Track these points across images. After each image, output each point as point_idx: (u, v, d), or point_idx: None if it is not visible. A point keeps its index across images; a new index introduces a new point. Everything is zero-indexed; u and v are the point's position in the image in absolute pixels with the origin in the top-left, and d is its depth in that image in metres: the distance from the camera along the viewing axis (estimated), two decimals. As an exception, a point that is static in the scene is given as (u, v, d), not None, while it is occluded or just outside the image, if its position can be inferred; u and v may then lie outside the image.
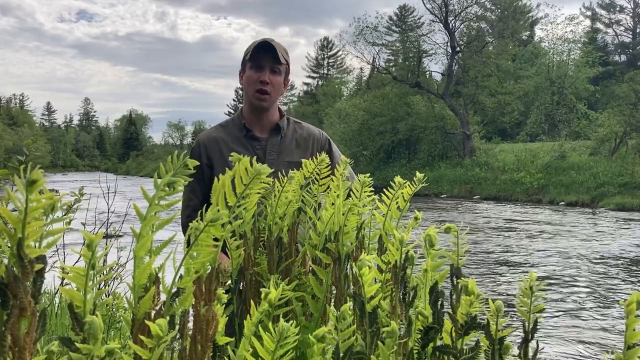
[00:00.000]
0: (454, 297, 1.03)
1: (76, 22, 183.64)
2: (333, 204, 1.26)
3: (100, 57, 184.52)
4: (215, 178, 1.01)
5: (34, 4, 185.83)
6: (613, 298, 8.22)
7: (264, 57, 2.21)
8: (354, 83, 55.09)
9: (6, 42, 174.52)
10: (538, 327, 0.96)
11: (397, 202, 1.27)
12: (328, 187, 1.37)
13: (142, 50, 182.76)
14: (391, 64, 39.99)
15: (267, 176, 1.04)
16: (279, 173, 1.35)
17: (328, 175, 1.40)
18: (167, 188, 0.77)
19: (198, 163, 0.82)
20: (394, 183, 1.27)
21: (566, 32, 37.88)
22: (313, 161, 1.40)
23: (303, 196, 1.36)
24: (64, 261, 3.17)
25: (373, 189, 1.30)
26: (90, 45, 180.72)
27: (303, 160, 1.42)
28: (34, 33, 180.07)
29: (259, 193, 1.06)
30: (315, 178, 1.39)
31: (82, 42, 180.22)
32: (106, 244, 3.61)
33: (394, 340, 0.95)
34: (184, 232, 2.15)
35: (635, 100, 27.52)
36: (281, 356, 0.85)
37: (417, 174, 1.28)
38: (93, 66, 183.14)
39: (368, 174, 1.32)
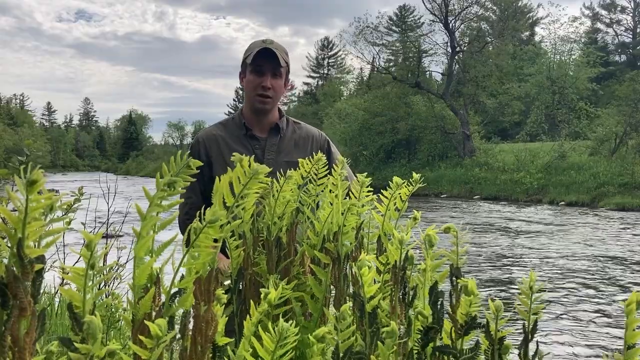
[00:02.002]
0: (453, 297, 1.03)
1: (75, 22, 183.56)
2: (331, 203, 1.26)
3: (99, 56, 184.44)
4: (217, 178, 1.01)
5: (33, 4, 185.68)
6: (613, 298, 8.22)
7: (265, 63, 2.22)
8: (354, 83, 55.07)
9: (5, 42, 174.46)
10: (538, 327, 0.96)
11: (395, 203, 1.27)
12: (326, 186, 1.37)
13: (141, 50, 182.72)
14: (391, 64, 39.98)
15: (265, 176, 1.04)
16: (277, 173, 1.35)
17: (325, 175, 1.40)
18: (167, 188, 0.77)
19: (201, 163, 0.83)
20: (392, 183, 1.27)
21: (569, 32, 37.92)
22: (310, 160, 1.39)
23: (300, 196, 1.35)
24: (64, 261, 3.18)
25: (372, 189, 1.29)
26: (89, 45, 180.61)
27: (300, 160, 1.41)
28: (32, 33, 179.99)
29: (257, 193, 1.06)
30: (313, 178, 1.39)
31: (81, 41, 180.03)
32: (106, 244, 3.61)
33: (393, 340, 0.95)
34: (181, 229, 2.15)
35: (635, 100, 27.50)
36: (281, 356, 0.85)
37: (414, 174, 1.27)
38: (92, 66, 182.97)
39: (366, 174, 1.31)
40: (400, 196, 1.27)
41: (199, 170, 0.81)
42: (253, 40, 2.39)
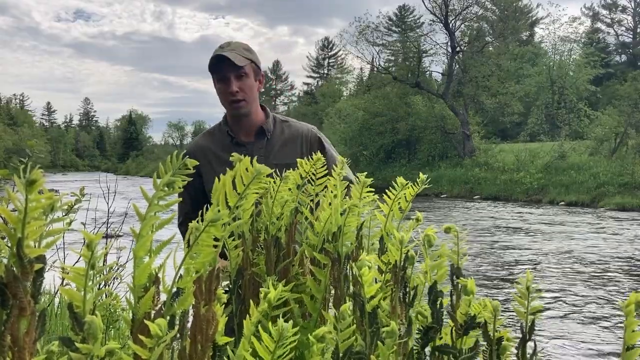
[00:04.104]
0: (453, 296, 1.03)
1: (73, 22, 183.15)
2: (330, 203, 1.26)
3: (98, 56, 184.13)
4: (216, 178, 1.01)
5: (31, 3, 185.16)
6: (612, 299, 8.22)
7: (224, 68, 2.16)
8: (354, 83, 55.05)
9: (3, 42, 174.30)
10: (536, 327, 0.96)
11: (399, 203, 1.27)
12: (325, 187, 1.37)
13: (140, 50, 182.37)
14: (391, 64, 39.96)
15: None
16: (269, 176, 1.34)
17: (324, 175, 1.39)
18: (166, 188, 0.77)
19: (198, 163, 0.83)
20: (396, 183, 1.26)
21: (569, 33, 37.98)
22: (309, 161, 1.39)
23: (299, 196, 1.35)
24: (64, 261, 3.18)
25: (372, 189, 1.29)
26: (88, 44, 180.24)
27: (298, 160, 1.39)
28: (31, 32, 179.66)
29: (256, 193, 1.06)
30: (312, 178, 1.38)
31: (79, 41, 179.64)
32: (106, 244, 3.61)
33: (393, 340, 0.95)
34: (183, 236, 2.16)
35: (636, 99, 27.47)
36: (280, 356, 0.85)
37: (421, 175, 1.27)
38: (91, 66, 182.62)
39: (365, 173, 1.31)
40: (405, 196, 1.27)
41: (191, 179, 0.81)
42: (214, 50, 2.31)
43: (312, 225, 1.29)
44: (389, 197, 1.26)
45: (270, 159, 2.19)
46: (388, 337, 0.95)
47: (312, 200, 1.37)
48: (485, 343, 0.99)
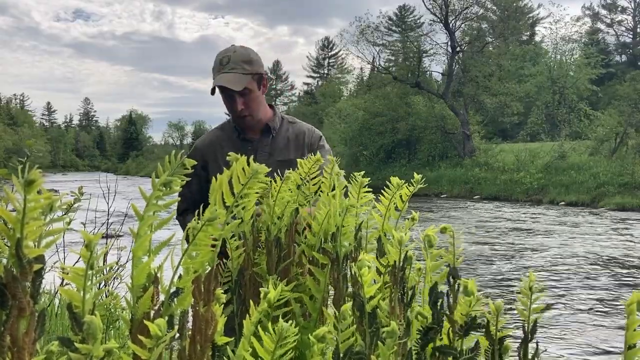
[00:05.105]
0: (451, 297, 1.03)
1: (73, 22, 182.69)
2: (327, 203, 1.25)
3: (98, 56, 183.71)
4: (213, 178, 1.01)
5: (30, 3, 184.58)
6: (613, 298, 8.21)
7: (226, 88, 2.17)
8: (354, 83, 55.04)
9: (3, 42, 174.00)
10: (538, 327, 0.96)
11: (395, 203, 1.27)
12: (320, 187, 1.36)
13: (140, 50, 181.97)
14: (391, 64, 39.94)
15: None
16: (273, 173, 1.34)
17: (317, 176, 1.39)
18: (164, 187, 0.77)
19: (196, 162, 0.83)
20: (391, 184, 1.26)
21: (572, 32, 38.00)
22: (308, 161, 1.39)
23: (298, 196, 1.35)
24: (64, 261, 3.17)
25: (371, 189, 1.29)
26: (88, 44, 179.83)
27: (298, 160, 1.39)
28: (30, 32, 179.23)
29: (257, 193, 1.06)
30: (307, 178, 1.38)
31: (79, 41, 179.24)
32: (106, 244, 3.61)
33: (394, 340, 0.95)
34: (181, 226, 2.19)
35: (636, 99, 27.47)
36: (281, 356, 0.84)
37: (415, 175, 1.27)
38: (91, 66, 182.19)
39: (363, 172, 1.30)
40: (401, 196, 1.26)
41: (194, 175, 0.81)
42: (216, 55, 2.27)
43: (310, 225, 1.29)
44: (384, 197, 1.26)
45: (274, 155, 2.25)
46: (388, 337, 0.94)
47: (308, 201, 1.36)
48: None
